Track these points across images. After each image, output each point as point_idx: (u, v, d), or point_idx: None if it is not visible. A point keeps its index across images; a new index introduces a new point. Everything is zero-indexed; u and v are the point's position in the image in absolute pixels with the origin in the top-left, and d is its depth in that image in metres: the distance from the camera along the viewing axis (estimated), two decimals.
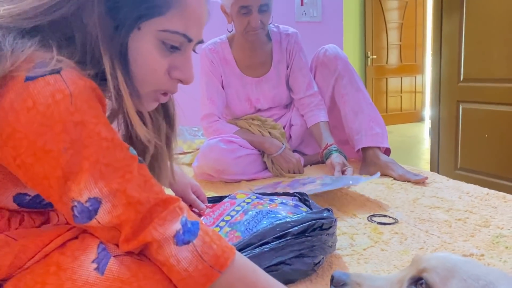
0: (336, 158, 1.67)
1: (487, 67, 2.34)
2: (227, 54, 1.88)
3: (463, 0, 2.47)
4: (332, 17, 2.95)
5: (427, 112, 5.70)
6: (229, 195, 1.18)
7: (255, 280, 0.58)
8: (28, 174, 0.52)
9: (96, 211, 0.52)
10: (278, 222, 0.95)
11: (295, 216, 0.97)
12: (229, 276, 0.55)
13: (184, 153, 2.40)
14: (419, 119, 5.79)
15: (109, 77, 0.57)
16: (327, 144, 1.75)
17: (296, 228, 0.92)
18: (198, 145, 2.47)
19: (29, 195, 0.59)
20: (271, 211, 1.04)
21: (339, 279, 0.68)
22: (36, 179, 0.52)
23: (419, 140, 4.63)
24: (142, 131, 0.62)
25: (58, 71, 0.51)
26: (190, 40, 0.64)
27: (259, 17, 1.68)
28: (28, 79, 0.50)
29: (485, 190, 1.45)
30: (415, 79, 5.71)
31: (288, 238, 0.91)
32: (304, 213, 1.01)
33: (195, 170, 1.79)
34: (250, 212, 1.05)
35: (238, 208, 1.09)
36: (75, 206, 0.52)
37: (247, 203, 1.11)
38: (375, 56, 5.21)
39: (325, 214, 0.97)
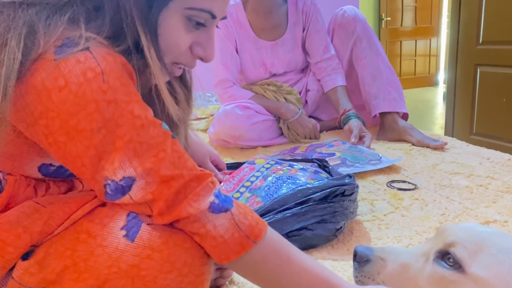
0: (354, 123, 1.65)
1: (508, 28, 2.26)
2: (241, 17, 1.83)
3: None
4: None
5: (441, 76, 5.60)
6: (248, 160, 1.18)
7: (289, 254, 0.58)
8: (60, 152, 0.51)
9: (130, 187, 0.51)
10: (299, 188, 0.95)
11: (317, 182, 0.97)
12: (263, 248, 0.55)
13: (198, 119, 2.39)
14: (433, 83, 5.69)
15: (147, 53, 0.56)
16: (345, 109, 1.72)
17: (318, 194, 0.92)
18: (212, 111, 2.46)
19: (54, 166, 0.59)
20: (291, 177, 1.04)
21: (362, 255, 0.68)
22: (69, 158, 0.52)
23: (433, 104, 4.57)
24: (174, 109, 0.61)
25: (87, 48, 0.50)
26: (214, 17, 0.64)
27: None
28: (58, 57, 0.49)
29: (507, 155, 1.43)
30: (429, 42, 5.57)
31: (310, 204, 0.91)
32: (325, 180, 1.00)
33: (210, 137, 1.78)
34: (269, 178, 1.05)
35: (258, 173, 1.09)
36: (108, 184, 0.51)
37: (267, 168, 1.11)
38: (389, 18, 5.07)
39: (346, 181, 0.97)
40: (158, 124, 0.54)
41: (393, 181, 1.27)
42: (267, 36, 1.86)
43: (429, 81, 5.63)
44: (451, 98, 2.72)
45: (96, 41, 0.52)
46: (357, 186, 0.98)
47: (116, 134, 0.50)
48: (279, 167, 1.10)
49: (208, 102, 2.54)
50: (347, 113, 1.71)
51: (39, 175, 0.60)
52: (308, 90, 1.94)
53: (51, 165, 0.59)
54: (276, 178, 1.04)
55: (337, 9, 1.89)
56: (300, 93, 1.94)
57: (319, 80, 1.90)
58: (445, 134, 2.75)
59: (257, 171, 1.10)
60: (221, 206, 0.54)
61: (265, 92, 1.86)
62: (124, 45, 0.56)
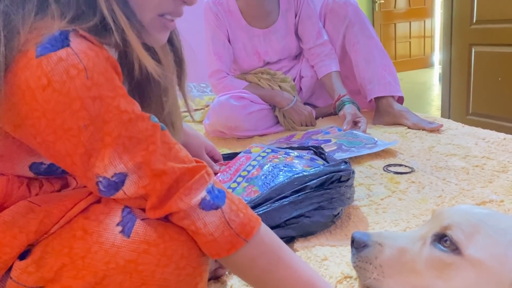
0: (348, 109, 1.65)
1: (501, 7, 2.25)
2: (232, 5, 1.81)
3: None
4: None
5: (437, 57, 5.58)
6: (244, 150, 1.18)
7: (279, 258, 0.58)
8: (50, 151, 0.51)
9: (122, 182, 0.51)
10: (296, 176, 0.95)
11: (313, 170, 0.97)
12: (253, 247, 0.55)
13: (193, 110, 2.38)
14: (428, 64, 5.68)
15: (106, 13, 0.53)
16: (339, 95, 1.72)
17: (314, 181, 0.92)
18: (207, 102, 2.45)
19: (45, 164, 0.59)
20: (287, 165, 1.04)
21: (360, 241, 0.68)
22: (59, 156, 0.51)
23: (429, 86, 4.57)
24: (151, 63, 0.57)
25: (68, 44, 0.48)
26: None
27: None
28: (39, 54, 0.47)
29: (502, 135, 1.43)
30: (424, 23, 5.54)
31: (307, 191, 0.91)
32: (321, 166, 1.00)
33: (206, 128, 1.78)
34: (266, 167, 1.05)
35: (254, 162, 1.09)
36: (100, 181, 0.51)
37: (263, 157, 1.11)
38: (382, 1, 5.04)
39: (342, 167, 0.97)
40: (147, 118, 0.54)
41: (389, 165, 1.27)
42: (259, 24, 1.85)
43: (425, 63, 5.62)
44: (446, 79, 2.71)
45: (74, 32, 0.50)
46: (353, 172, 0.98)
47: (103, 130, 0.50)
48: (275, 155, 1.10)
49: (203, 93, 2.53)
50: (341, 98, 1.70)
51: (31, 174, 0.60)
52: (302, 77, 1.93)
53: (42, 163, 0.59)
54: (273, 166, 1.04)
55: None
56: (294, 80, 1.93)
57: (312, 66, 1.89)
58: (441, 116, 2.76)
59: (253, 160, 1.10)
60: (212, 203, 0.54)
61: (259, 80, 1.85)
62: (95, 17, 0.53)
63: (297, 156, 1.09)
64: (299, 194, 0.91)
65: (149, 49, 0.62)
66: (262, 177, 1.02)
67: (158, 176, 0.52)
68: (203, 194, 0.54)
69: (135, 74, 0.62)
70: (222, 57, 1.81)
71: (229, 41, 1.84)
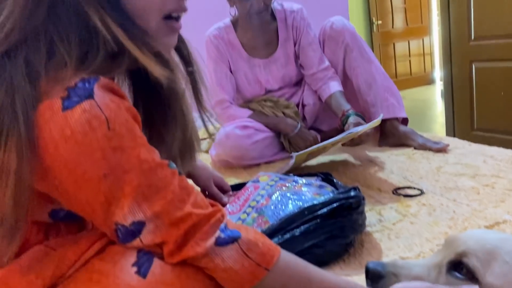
0: (351, 119, 1.61)
1: (499, 23, 2.28)
2: (232, 38, 1.85)
3: None
4: None
5: (437, 74, 5.61)
6: (252, 179, 1.17)
7: (308, 276, 0.58)
8: (71, 201, 0.52)
9: (140, 231, 0.52)
10: (305, 205, 0.94)
11: (322, 198, 0.97)
12: (279, 274, 0.55)
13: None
14: (430, 81, 5.70)
15: (101, 29, 0.53)
16: (343, 110, 1.70)
17: (324, 210, 0.92)
18: (212, 131, 2.46)
19: (64, 210, 0.60)
20: (296, 193, 1.04)
21: (375, 272, 0.67)
22: (79, 205, 0.52)
23: (431, 103, 4.58)
24: (156, 69, 0.56)
25: (92, 96, 0.49)
26: None
27: None
28: (65, 108, 0.48)
29: (510, 151, 1.43)
30: (422, 41, 5.60)
31: (318, 220, 0.91)
32: (330, 194, 1.00)
33: (213, 158, 1.79)
34: (275, 196, 1.05)
35: (263, 192, 1.09)
36: (119, 229, 0.52)
37: (271, 186, 1.10)
38: (380, 22, 5.10)
39: (352, 194, 0.97)
40: (165, 165, 0.54)
41: (398, 188, 1.26)
42: (259, 54, 1.88)
43: (426, 80, 5.65)
44: (449, 96, 2.72)
45: (97, 82, 0.51)
46: (363, 198, 0.97)
47: (124, 180, 0.50)
48: (283, 183, 1.10)
49: (208, 123, 2.54)
50: (346, 113, 1.67)
51: (50, 220, 0.60)
52: (305, 105, 1.93)
53: (61, 209, 0.59)
54: (282, 195, 1.04)
55: (326, 20, 1.90)
56: (297, 106, 1.94)
57: (315, 92, 1.90)
58: (446, 132, 2.75)
59: (261, 189, 1.10)
60: (228, 238, 0.54)
61: (262, 108, 1.86)
62: (101, 52, 0.53)
63: (305, 184, 1.09)
64: (310, 224, 0.91)
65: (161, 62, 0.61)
66: (272, 207, 1.02)
67: (176, 224, 0.52)
68: (217, 233, 0.54)
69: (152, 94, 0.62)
70: (225, 87, 1.84)
71: (231, 72, 1.87)
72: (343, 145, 1.59)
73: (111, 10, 0.55)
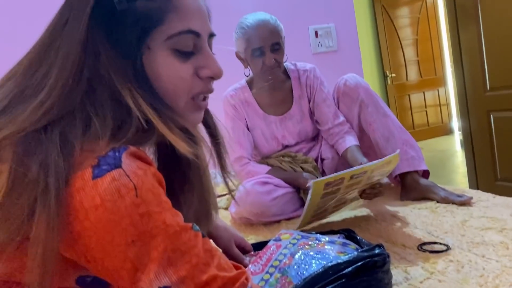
0: None
1: None
2: (248, 97, 1.92)
3: (478, 9, 2.46)
4: (348, 44, 2.97)
5: (455, 123, 5.60)
6: (273, 237, 1.16)
7: None
8: (99, 268, 0.53)
9: None
10: (329, 264, 0.93)
11: (346, 256, 0.95)
12: None
13: (218, 196, 2.40)
14: (448, 131, 5.69)
15: (133, 108, 0.57)
16: (360, 163, 1.70)
17: (349, 269, 0.90)
18: (232, 187, 2.46)
19: (90, 276, 0.60)
20: (320, 251, 1.02)
21: None
22: (106, 272, 0.53)
23: (451, 153, 4.54)
24: (183, 145, 0.59)
25: (120, 165, 0.52)
26: (198, 35, 0.64)
27: (272, 56, 1.73)
28: (96, 176, 0.51)
29: None
30: (437, 92, 5.65)
31: (343, 280, 0.89)
32: (354, 252, 0.98)
33: (232, 215, 1.78)
34: (297, 255, 1.03)
35: (285, 251, 1.07)
36: None
37: (293, 244, 1.09)
38: (394, 74, 5.19)
39: (377, 251, 0.95)
40: (189, 228, 0.55)
41: (424, 244, 1.23)
42: (274, 111, 1.93)
43: (444, 130, 5.64)
44: (468, 146, 2.70)
45: (125, 151, 0.53)
46: (389, 256, 0.95)
47: (150, 245, 0.52)
48: (305, 241, 1.08)
49: (228, 180, 2.56)
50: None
51: (77, 287, 0.61)
52: (324, 159, 1.95)
53: (88, 276, 0.60)
54: (305, 254, 1.03)
55: (340, 78, 1.94)
56: (315, 161, 1.95)
57: (332, 146, 1.92)
58: (469, 183, 2.70)
59: (284, 248, 1.09)
60: None
61: (281, 164, 1.88)
62: (132, 127, 0.57)
63: (328, 242, 1.07)
64: (335, 284, 0.88)
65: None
66: (295, 267, 1.00)
67: (201, 287, 0.52)
68: None
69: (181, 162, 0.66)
70: (243, 144, 1.88)
71: (248, 129, 1.91)
72: (361, 196, 1.57)
73: (142, 90, 0.59)
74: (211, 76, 0.67)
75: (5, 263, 0.53)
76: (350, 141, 1.84)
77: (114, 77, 0.58)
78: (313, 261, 0.99)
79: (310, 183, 1.35)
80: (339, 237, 1.14)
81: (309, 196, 1.35)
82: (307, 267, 0.98)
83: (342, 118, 1.90)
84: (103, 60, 0.58)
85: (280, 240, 1.12)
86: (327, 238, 1.09)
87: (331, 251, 1.02)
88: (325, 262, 0.95)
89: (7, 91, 0.58)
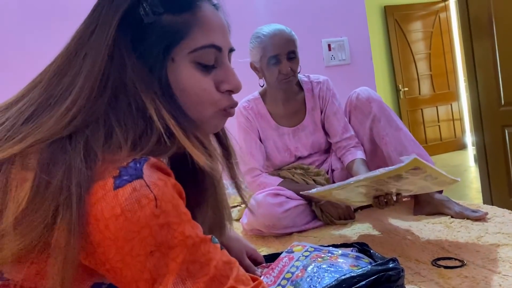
0: None
1: None
2: (261, 109, 1.92)
3: (492, 22, 2.45)
4: (361, 57, 2.98)
5: (469, 139, 5.54)
6: (286, 249, 1.16)
7: None
8: (117, 277, 0.53)
9: None
10: (343, 277, 0.92)
11: (360, 270, 0.94)
12: None
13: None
14: (461, 146, 5.63)
15: (155, 119, 0.58)
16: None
17: (363, 283, 0.89)
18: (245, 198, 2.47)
19: (106, 284, 0.60)
20: (332, 265, 1.02)
21: None
22: (124, 282, 0.53)
23: (464, 168, 4.49)
24: (202, 159, 0.60)
25: (141, 176, 0.52)
26: (219, 49, 0.66)
27: (288, 64, 1.74)
28: (117, 186, 0.51)
29: None
30: (451, 106, 5.61)
31: None
32: (368, 266, 0.97)
33: (244, 227, 1.78)
34: (310, 268, 1.02)
35: (298, 263, 1.07)
36: None
37: (306, 256, 1.08)
38: (406, 89, 5.18)
39: (391, 265, 0.94)
40: (208, 240, 0.55)
41: (438, 259, 1.22)
42: (287, 123, 1.93)
43: (457, 145, 5.58)
44: (482, 162, 2.67)
45: (146, 162, 0.54)
46: (403, 270, 0.94)
47: (169, 256, 0.52)
48: (318, 254, 1.08)
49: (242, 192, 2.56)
50: None
51: None
52: (333, 170, 1.95)
53: (103, 283, 0.60)
54: (317, 267, 1.02)
55: (352, 91, 1.94)
56: (327, 173, 1.95)
57: (339, 158, 1.92)
58: (483, 198, 2.67)
59: (296, 260, 1.08)
60: None
61: (293, 176, 1.87)
62: (153, 138, 0.57)
63: (341, 255, 1.06)
64: None
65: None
66: (308, 279, 0.99)
67: None
68: None
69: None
70: (255, 155, 1.88)
71: (260, 140, 1.92)
72: (372, 205, 1.52)
73: (165, 101, 0.60)
74: (230, 90, 0.68)
75: (25, 269, 0.53)
76: (356, 154, 1.84)
77: (139, 87, 0.59)
78: (326, 274, 0.98)
79: (313, 191, 1.36)
80: (352, 250, 1.13)
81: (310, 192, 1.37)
82: (319, 280, 0.97)
83: (351, 133, 1.90)
84: (129, 70, 0.59)
85: (292, 252, 1.12)
86: (340, 251, 1.08)
87: (344, 264, 1.01)
88: (338, 276, 0.94)
89: (32, 99, 0.59)
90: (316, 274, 0.99)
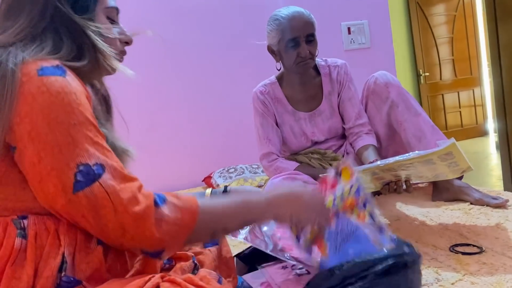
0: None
1: None
2: (278, 93, 1.91)
3: None
4: (381, 41, 2.93)
5: (491, 125, 5.43)
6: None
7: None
8: (41, 144, 0.62)
9: (100, 175, 0.63)
10: (359, 260, 0.91)
11: (376, 254, 0.93)
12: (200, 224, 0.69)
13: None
14: (483, 133, 5.52)
15: (89, 44, 0.74)
16: (369, 161, 1.66)
17: (380, 266, 0.89)
18: (259, 182, 2.48)
19: None
20: (356, 235, 0.97)
21: None
22: (48, 148, 0.62)
23: (485, 155, 4.41)
24: (117, 64, 0.79)
25: (64, 75, 0.66)
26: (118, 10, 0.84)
27: (307, 47, 1.71)
28: (41, 74, 0.64)
29: None
30: (473, 92, 5.48)
31: (373, 277, 0.88)
32: (389, 243, 0.96)
33: None
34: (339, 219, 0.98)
35: (339, 196, 0.97)
36: (81, 170, 0.62)
37: (341, 199, 1.02)
38: (427, 74, 5.07)
39: (406, 250, 0.93)
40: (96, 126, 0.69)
41: (456, 245, 1.21)
42: (304, 108, 1.91)
43: (478, 132, 5.47)
44: (505, 148, 2.61)
45: (65, 69, 0.68)
46: (420, 256, 0.93)
47: (87, 128, 0.66)
48: (356, 199, 1.01)
49: (255, 174, 2.57)
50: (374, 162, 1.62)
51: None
52: (348, 153, 1.93)
53: None
54: (345, 224, 0.97)
55: (370, 75, 1.91)
56: (343, 156, 1.93)
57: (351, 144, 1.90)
58: (504, 186, 2.62)
59: (339, 190, 0.98)
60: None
61: (310, 160, 1.87)
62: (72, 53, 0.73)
63: (370, 216, 1.01)
64: (364, 281, 0.87)
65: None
66: (334, 234, 0.97)
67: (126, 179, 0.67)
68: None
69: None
70: (271, 140, 1.87)
71: (277, 125, 1.91)
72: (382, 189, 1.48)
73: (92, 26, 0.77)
74: (125, 41, 0.85)
75: None
76: (368, 140, 1.82)
77: (73, 12, 0.74)
78: (349, 240, 0.95)
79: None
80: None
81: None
82: (341, 241, 0.95)
83: (363, 120, 1.87)
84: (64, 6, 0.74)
85: (340, 175, 1.01)
86: (370, 208, 1.01)
87: (368, 235, 0.97)
88: (358, 251, 0.92)
89: None
90: (340, 234, 0.95)
